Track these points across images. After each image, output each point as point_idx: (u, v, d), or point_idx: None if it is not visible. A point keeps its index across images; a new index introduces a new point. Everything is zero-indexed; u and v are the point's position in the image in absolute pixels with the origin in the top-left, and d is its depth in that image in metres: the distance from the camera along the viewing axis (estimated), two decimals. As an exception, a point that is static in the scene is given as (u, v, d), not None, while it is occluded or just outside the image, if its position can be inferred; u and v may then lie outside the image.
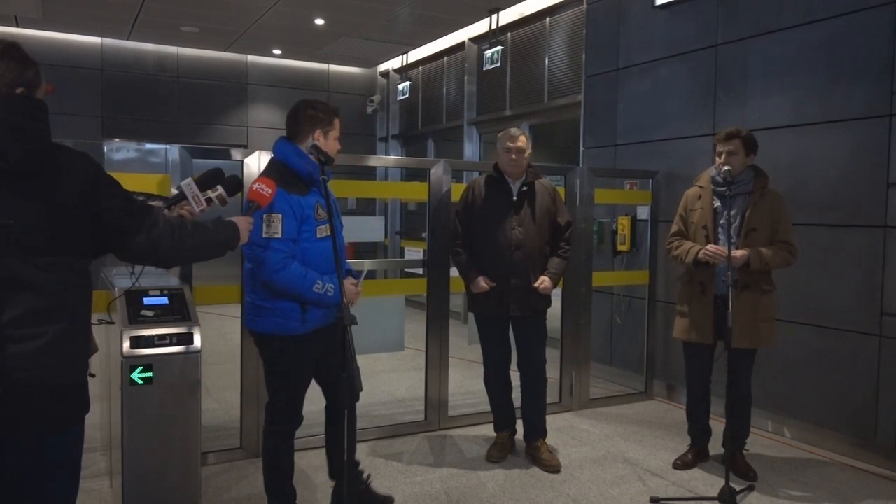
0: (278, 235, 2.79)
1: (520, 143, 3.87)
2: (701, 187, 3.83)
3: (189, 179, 2.41)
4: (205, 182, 2.45)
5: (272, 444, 3.04)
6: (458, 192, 4.47)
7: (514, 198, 3.90)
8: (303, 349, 2.94)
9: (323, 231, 2.89)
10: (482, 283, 3.87)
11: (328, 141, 3.02)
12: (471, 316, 4.55)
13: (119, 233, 1.88)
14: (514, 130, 3.95)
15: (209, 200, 2.39)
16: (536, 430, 4.03)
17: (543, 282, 3.87)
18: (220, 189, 2.43)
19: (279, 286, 2.82)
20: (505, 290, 3.87)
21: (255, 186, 2.50)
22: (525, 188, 3.91)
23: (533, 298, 3.89)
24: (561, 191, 4.94)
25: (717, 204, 3.73)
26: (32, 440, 1.76)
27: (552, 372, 5.25)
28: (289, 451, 3.08)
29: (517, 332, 4.01)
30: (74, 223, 1.78)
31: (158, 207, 2.06)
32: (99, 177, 1.85)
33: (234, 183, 2.55)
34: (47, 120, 1.80)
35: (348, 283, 2.99)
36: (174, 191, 2.48)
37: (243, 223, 2.24)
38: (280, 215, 2.78)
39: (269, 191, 2.50)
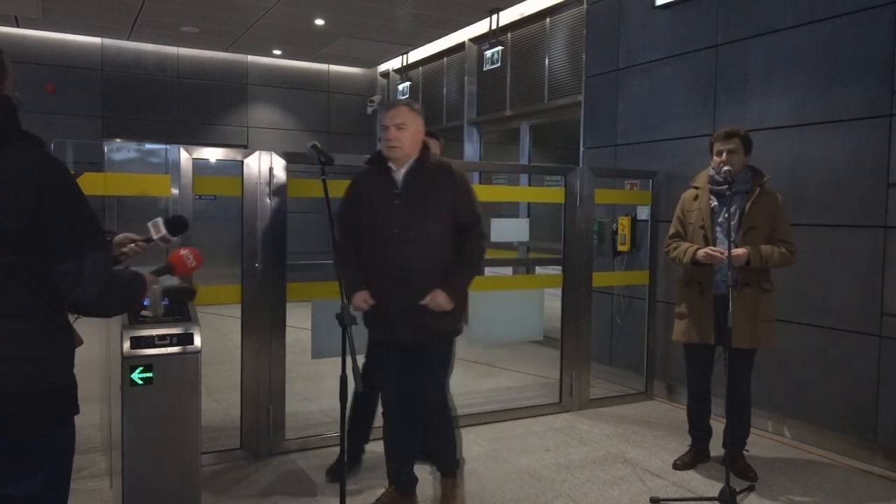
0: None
1: (399, 119, 3.08)
2: (697, 188, 3.84)
3: (159, 218, 2.39)
4: (174, 227, 2.43)
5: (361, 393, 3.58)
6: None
7: (398, 189, 3.09)
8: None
9: None
10: (359, 301, 3.08)
11: None
12: (470, 315, 4.53)
13: (50, 247, 1.69)
14: (400, 101, 3.21)
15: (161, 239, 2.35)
16: (443, 466, 3.34)
17: (434, 297, 3.01)
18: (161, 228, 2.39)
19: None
20: (390, 309, 3.09)
21: (183, 252, 2.27)
22: (412, 175, 3.09)
23: (426, 319, 3.04)
24: (559, 191, 4.98)
25: (714, 203, 3.74)
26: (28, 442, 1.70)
27: (552, 372, 5.27)
28: (370, 402, 3.62)
29: (412, 360, 3.19)
30: (18, 222, 1.65)
31: (111, 251, 1.91)
32: (44, 179, 1.68)
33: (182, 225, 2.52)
34: (15, 115, 1.70)
35: None
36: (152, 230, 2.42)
37: (151, 283, 2.03)
38: None
39: (194, 264, 2.28)
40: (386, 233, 3.04)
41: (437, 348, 3.19)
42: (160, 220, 2.35)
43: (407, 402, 3.23)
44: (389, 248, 3.04)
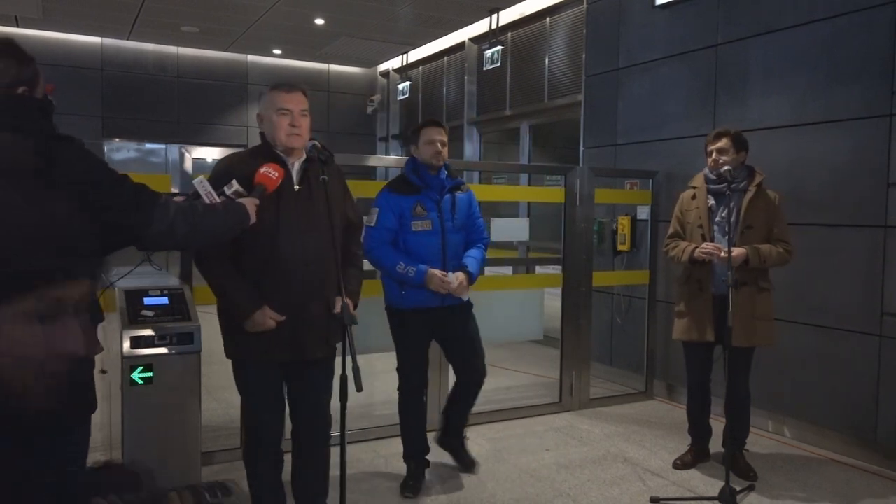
0: (372, 224, 3.36)
1: (303, 105, 2.72)
2: (695, 188, 3.85)
3: (201, 177, 2.48)
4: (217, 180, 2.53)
5: (401, 401, 3.62)
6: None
7: (298, 186, 2.71)
8: (406, 321, 3.51)
9: (419, 226, 3.40)
10: (267, 319, 2.63)
11: (419, 147, 3.48)
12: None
13: (128, 228, 1.87)
14: (295, 84, 2.79)
15: (222, 195, 2.41)
16: None
17: (346, 306, 2.52)
18: (235, 185, 2.46)
19: (373, 263, 3.39)
20: (299, 323, 2.67)
21: (263, 170, 2.53)
22: (310, 170, 2.72)
23: (333, 331, 2.71)
24: (559, 191, 4.98)
25: (712, 202, 3.75)
26: (31, 441, 1.73)
27: (552, 371, 5.27)
28: (416, 406, 3.62)
29: (295, 384, 2.83)
30: (70, 222, 1.73)
31: (168, 195, 2.08)
32: (95, 176, 1.79)
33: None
34: (51, 118, 1.77)
35: (437, 272, 3.36)
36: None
37: (250, 205, 2.32)
38: (377, 209, 3.39)
39: (276, 174, 2.52)
40: (289, 235, 2.64)
41: (327, 369, 2.83)
42: (205, 182, 2.44)
43: (280, 437, 2.95)
44: (295, 253, 2.65)
